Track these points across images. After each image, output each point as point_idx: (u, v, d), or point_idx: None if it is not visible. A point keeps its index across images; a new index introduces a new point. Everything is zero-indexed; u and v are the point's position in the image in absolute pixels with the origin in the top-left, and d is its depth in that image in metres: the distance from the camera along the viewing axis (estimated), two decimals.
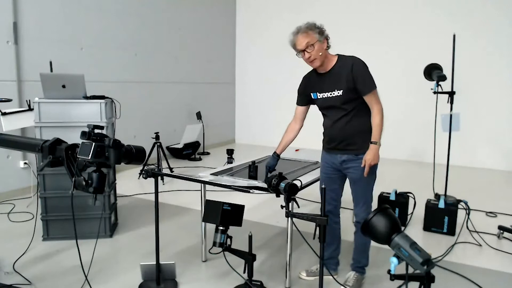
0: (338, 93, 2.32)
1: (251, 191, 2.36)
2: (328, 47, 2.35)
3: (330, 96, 2.36)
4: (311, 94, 2.47)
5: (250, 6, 8.18)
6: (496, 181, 5.63)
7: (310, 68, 2.46)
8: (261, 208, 4.16)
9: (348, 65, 2.31)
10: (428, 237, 3.47)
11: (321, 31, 2.30)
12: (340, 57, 2.37)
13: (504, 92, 6.17)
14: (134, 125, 5.95)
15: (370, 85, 2.30)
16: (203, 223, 2.86)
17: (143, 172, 2.38)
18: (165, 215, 3.92)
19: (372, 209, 2.46)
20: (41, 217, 3.21)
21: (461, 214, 3.61)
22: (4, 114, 3.40)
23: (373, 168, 2.38)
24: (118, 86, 5.65)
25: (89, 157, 1.86)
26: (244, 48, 8.37)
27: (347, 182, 2.54)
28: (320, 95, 2.42)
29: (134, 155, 2.05)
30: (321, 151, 2.62)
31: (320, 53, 2.29)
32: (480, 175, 5.96)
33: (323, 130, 2.54)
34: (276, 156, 2.60)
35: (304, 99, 2.55)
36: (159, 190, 2.49)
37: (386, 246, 1.75)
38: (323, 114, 2.52)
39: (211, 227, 2.54)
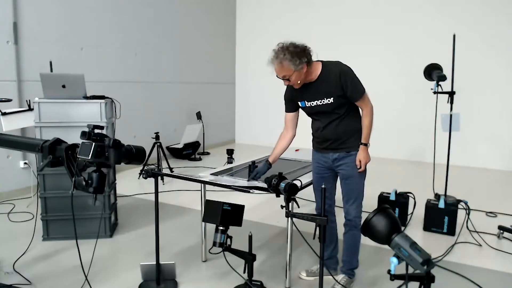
0: (329, 100, 2.31)
1: (251, 191, 2.36)
2: (309, 63, 2.23)
3: (320, 103, 2.35)
4: (299, 102, 2.45)
5: (250, 6, 8.19)
6: (496, 181, 5.63)
7: None
8: (261, 208, 4.16)
9: (335, 73, 2.26)
10: (428, 237, 3.47)
11: (298, 58, 2.16)
12: (324, 64, 2.32)
13: (504, 92, 6.17)
14: (134, 125, 5.95)
15: (360, 91, 2.31)
16: (203, 223, 2.86)
17: (143, 172, 2.38)
18: (165, 215, 3.92)
19: (363, 208, 2.48)
20: (41, 217, 3.21)
21: (461, 214, 3.61)
22: (4, 114, 3.40)
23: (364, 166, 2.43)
24: (118, 86, 5.65)
25: (89, 157, 1.86)
26: (244, 48, 8.37)
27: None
28: (308, 104, 2.39)
29: (134, 155, 2.04)
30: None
31: (299, 81, 2.26)
32: (480, 175, 5.96)
33: (312, 132, 2.53)
34: (268, 165, 2.55)
35: (292, 105, 2.51)
36: (159, 190, 2.49)
37: (386, 246, 1.75)
38: (313, 118, 2.50)
39: (211, 227, 2.54)
